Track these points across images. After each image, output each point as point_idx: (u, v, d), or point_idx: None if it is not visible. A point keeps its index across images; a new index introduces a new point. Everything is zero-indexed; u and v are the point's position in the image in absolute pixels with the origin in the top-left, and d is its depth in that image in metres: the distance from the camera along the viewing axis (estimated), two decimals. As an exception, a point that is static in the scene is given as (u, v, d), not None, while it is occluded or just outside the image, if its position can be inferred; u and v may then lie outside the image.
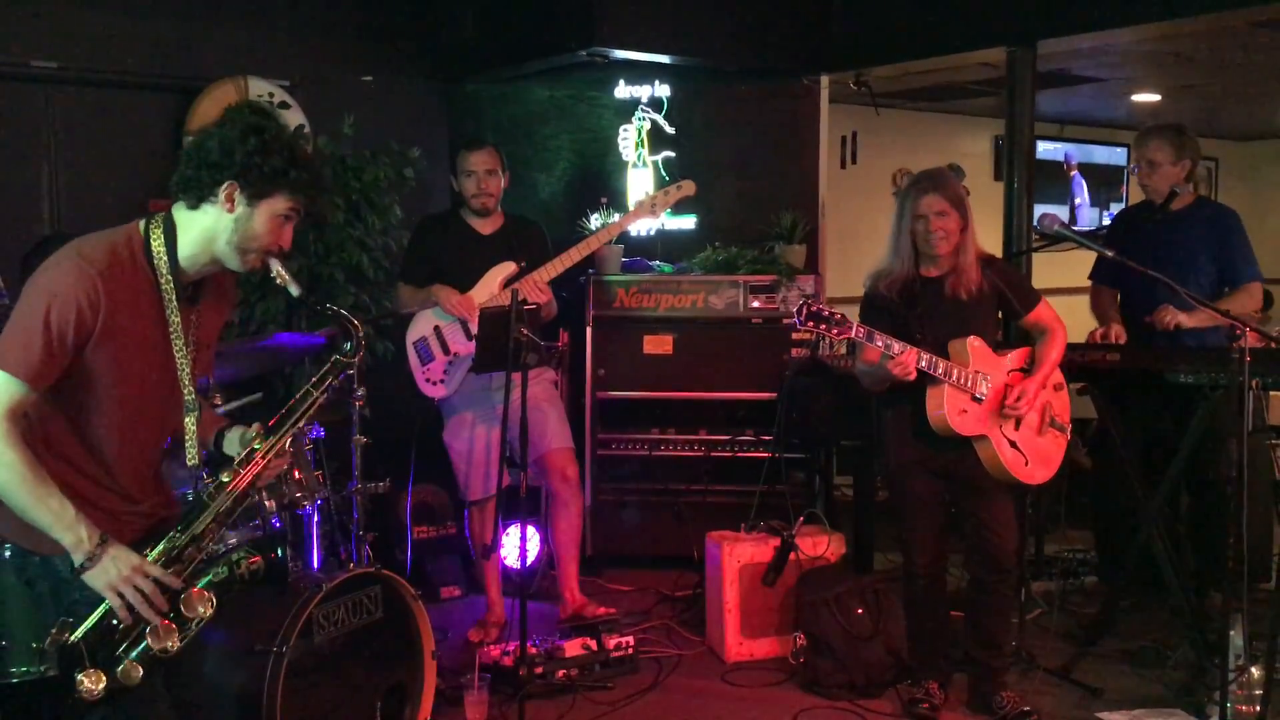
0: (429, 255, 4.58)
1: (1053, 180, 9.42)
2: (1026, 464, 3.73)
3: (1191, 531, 4.63)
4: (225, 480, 2.46)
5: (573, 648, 4.13)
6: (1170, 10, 4.56)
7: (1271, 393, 4.48)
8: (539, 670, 4.00)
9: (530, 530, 5.06)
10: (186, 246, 2.40)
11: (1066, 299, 4.78)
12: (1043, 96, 6.05)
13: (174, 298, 2.40)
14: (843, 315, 3.46)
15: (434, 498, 5.21)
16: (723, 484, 5.32)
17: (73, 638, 2.25)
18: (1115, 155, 10.07)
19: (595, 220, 5.43)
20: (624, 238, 5.49)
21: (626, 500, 5.45)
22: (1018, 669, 4.12)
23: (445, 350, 4.49)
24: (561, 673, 4.07)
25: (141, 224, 2.41)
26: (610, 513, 5.45)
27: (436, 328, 4.50)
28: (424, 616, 3.47)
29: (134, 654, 2.28)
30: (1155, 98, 8.17)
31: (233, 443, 2.61)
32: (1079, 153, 9.76)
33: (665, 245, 5.76)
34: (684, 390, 5.40)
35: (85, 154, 4.96)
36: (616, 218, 5.35)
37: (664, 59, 5.51)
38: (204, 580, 2.38)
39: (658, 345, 5.43)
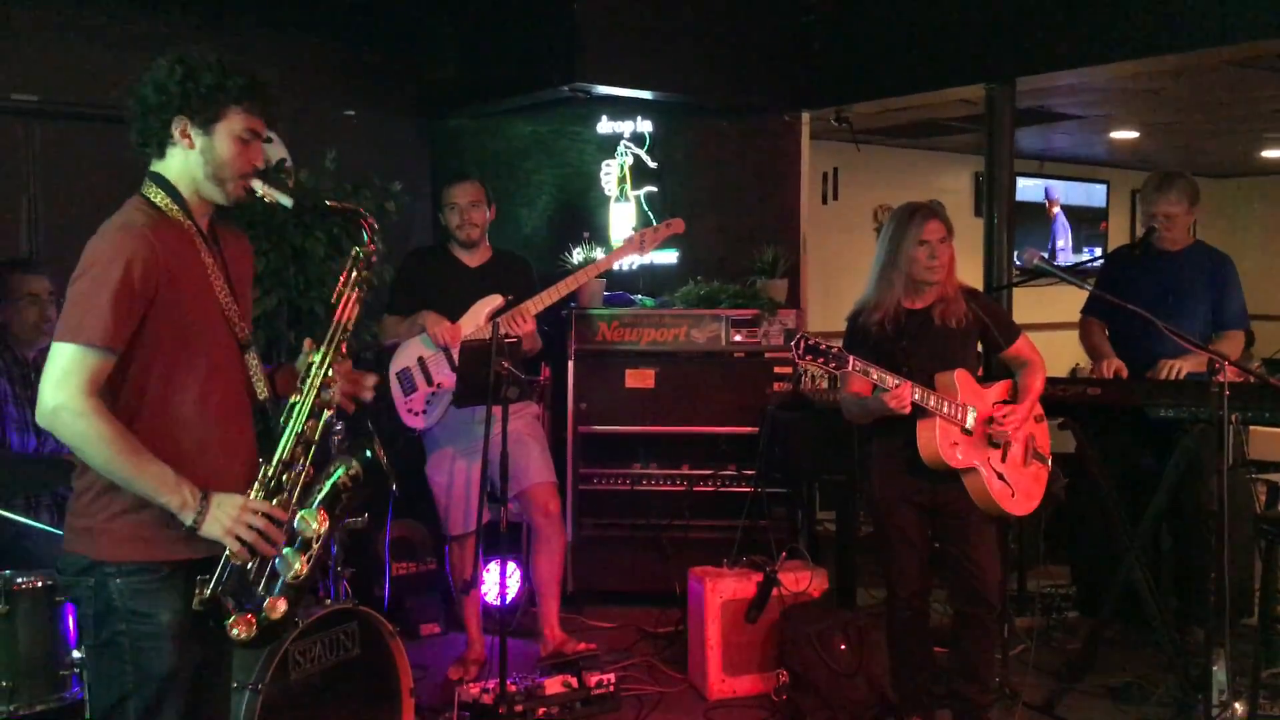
0: (416, 287, 4.57)
1: (1034, 221, 9.46)
2: (1013, 496, 3.73)
3: (1173, 567, 4.63)
4: (294, 401, 2.47)
5: (553, 685, 4.09)
6: (1147, 48, 4.61)
7: (1251, 428, 4.50)
8: (519, 708, 3.95)
9: (511, 566, 5.02)
10: (179, 189, 2.43)
11: (1046, 335, 4.81)
12: (1022, 133, 6.12)
13: (201, 240, 2.44)
14: (840, 349, 3.47)
15: (414, 533, 5.17)
16: (705, 519, 5.29)
17: (209, 592, 2.30)
18: (1094, 193, 10.14)
19: (578, 255, 5.43)
20: (606, 272, 5.50)
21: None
22: (1001, 705, 4.09)
23: (429, 381, 4.47)
24: (542, 710, 4.02)
25: (137, 195, 2.44)
26: (591, 548, 5.41)
27: (421, 358, 4.47)
28: (402, 654, 3.43)
29: (275, 589, 2.34)
30: (1134, 135, 8.25)
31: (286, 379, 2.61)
32: (1059, 189, 9.81)
33: (647, 279, 5.77)
34: (666, 424, 5.39)
35: (65, 186, 4.93)
36: (599, 252, 5.36)
37: (646, 95, 5.54)
38: (314, 500, 2.42)
39: (640, 379, 5.42)
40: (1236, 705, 3.60)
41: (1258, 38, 4.34)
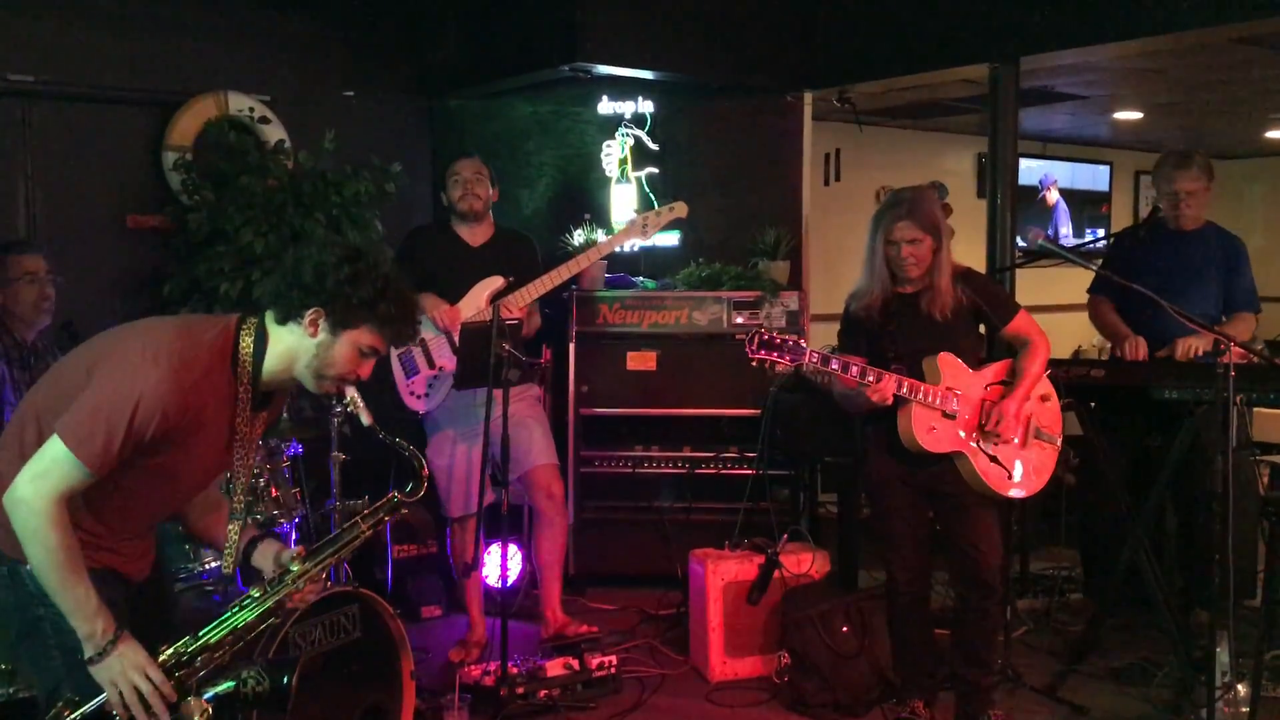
0: (418, 266, 4.54)
1: (1034, 207, 9.38)
2: (1010, 477, 3.70)
3: (1178, 548, 4.62)
4: (253, 595, 2.42)
5: (554, 667, 4.09)
6: (1152, 26, 4.57)
7: (1256, 409, 4.48)
8: (520, 690, 3.95)
9: (512, 548, 5.01)
10: (271, 359, 2.39)
11: (1050, 316, 4.78)
12: (1025, 114, 6.07)
13: (248, 407, 2.39)
14: (795, 341, 3.41)
15: (415, 516, 5.15)
16: (706, 501, 5.29)
17: (67, 717, 2.23)
18: (1098, 174, 10.07)
19: (579, 236, 5.41)
20: (607, 254, 5.47)
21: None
22: (1004, 687, 4.09)
23: (430, 364, 4.45)
24: (543, 693, 4.02)
25: (234, 322, 2.39)
26: (593, 530, 5.40)
27: (422, 341, 4.45)
28: (403, 636, 3.42)
29: None
30: (1137, 115, 8.20)
31: (265, 557, 2.57)
32: (1058, 172, 9.70)
33: (649, 261, 5.74)
34: (667, 407, 5.37)
35: (62, 168, 4.90)
36: (600, 234, 5.33)
37: (647, 75, 5.50)
38: (210, 691, 2.33)
39: (641, 361, 5.40)
40: (1239, 686, 3.59)
41: (1262, 16, 4.30)
